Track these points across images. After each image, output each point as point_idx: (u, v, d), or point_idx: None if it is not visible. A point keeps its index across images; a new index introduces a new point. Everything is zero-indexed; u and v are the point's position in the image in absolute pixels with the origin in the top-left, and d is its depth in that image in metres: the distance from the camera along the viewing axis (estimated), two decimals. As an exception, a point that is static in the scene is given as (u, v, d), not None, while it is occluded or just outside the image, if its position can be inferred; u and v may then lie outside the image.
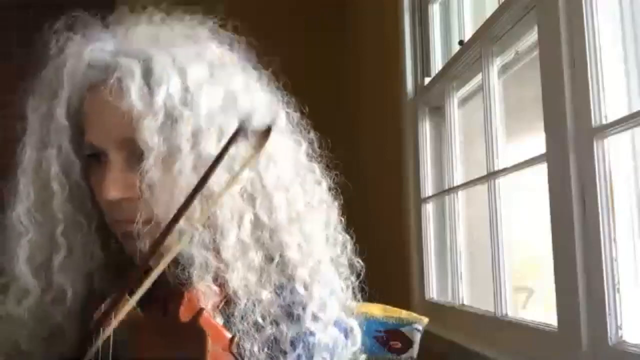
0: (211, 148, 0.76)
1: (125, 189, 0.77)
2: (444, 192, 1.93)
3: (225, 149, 0.67)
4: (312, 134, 0.91)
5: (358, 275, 0.91)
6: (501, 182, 1.50)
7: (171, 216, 0.66)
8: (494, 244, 1.49)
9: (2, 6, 3.09)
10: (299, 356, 0.79)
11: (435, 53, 2.08)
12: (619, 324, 1.01)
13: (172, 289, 0.76)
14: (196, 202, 0.70)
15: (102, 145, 0.79)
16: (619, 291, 1.01)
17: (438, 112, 2.06)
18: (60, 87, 0.80)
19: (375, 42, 2.64)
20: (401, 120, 2.19)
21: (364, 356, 0.91)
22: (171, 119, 0.76)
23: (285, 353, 0.78)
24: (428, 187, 2.04)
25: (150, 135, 0.76)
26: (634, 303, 1.02)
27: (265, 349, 0.78)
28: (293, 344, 0.79)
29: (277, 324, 0.79)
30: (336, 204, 0.92)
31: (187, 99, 0.78)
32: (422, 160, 2.06)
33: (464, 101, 1.91)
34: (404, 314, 1.36)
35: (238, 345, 0.74)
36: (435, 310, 1.85)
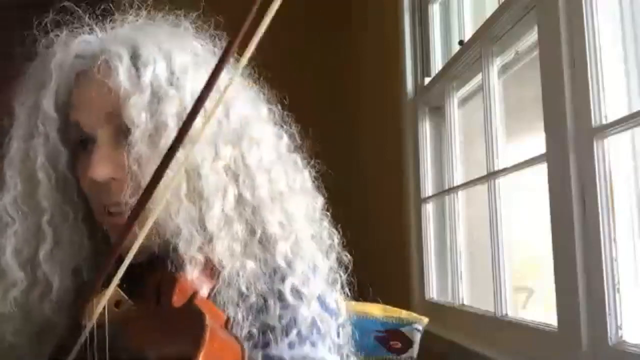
0: (197, 126, 0.78)
1: (113, 169, 0.78)
2: (444, 192, 1.93)
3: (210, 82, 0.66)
4: (292, 128, 0.92)
5: (346, 269, 0.91)
6: (501, 182, 1.50)
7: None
8: (494, 244, 1.49)
9: (2, 6, 3.09)
10: (291, 342, 0.79)
11: (435, 53, 2.08)
12: (619, 324, 1.01)
13: (163, 276, 0.76)
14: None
15: (88, 122, 0.80)
16: (619, 291, 1.01)
17: (438, 112, 2.06)
18: (48, 79, 0.81)
19: (375, 42, 2.64)
20: (401, 120, 2.19)
21: (348, 329, 0.90)
22: (157, 98, 0.78)
23: (277, 338, 0.78)
24: (428, 187, 2.04)
25: (137, 112, 0.77)
26: (634, 303, 1.02)
27: (250, 317, 0.78)
28: (286, 331, 0.79)
29: (265, 300, 0.80)
30: (320, 195, 0.93)
31: (173, 80, 0.80)
32: (422, 160, 2.06)
33: (464, 101, 1.91)
34: (404, 314, 1.36)
35: (233, 326, 0.74)
36: (435, 310, 1.86)
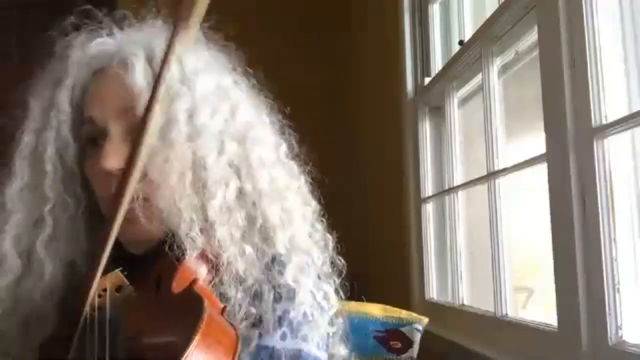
0: (204, 120, 0.83)
1: (123, 160, 0.79)
2: (444, 192, 1.93)
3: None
4: (291, 137, 0.97)
5: (340, 274, 0.93)
6: (501, 182, 1.50)
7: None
8: (494, 244, 1.49)
9: (2, 6, 3.09)
10: (284, 333, 0.81)
11: (435, 53, 2.08)
12: (619, 324, 1.01)
13: (163, 265, 0.78)
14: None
15: (102, 117, 0.83)
16: (619, 291, 1.01)
17: (438, 112, 2.06)
18: (65, 75, 0.85)
19: (375, 42, 2.64)
20: (401, 120, 2.19)
21: (340, 320, 0.93)
22: (170, 95, 0.82)
23: (268, 330, 0.80)
24: (428, 187, 2.04)
25: None
26: (634, 303, 1.02)
27: (248, 298, 0.81)
28: (279, 321, 0.81)
29: (260, 287, 0.82)
30: (315, 202, 0.96)
31: (185, 81, 0.84)
32: (422, 160, 2.06)
33: (464, 101, 1.91)
34: (404, 314, 1.36)
35: (229, 315, 0.75)
36: (435, 310, 1.85)
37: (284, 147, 0.94)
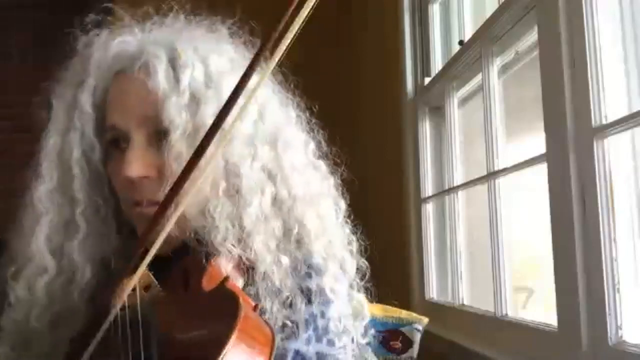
0: (235, 126, 0.81)
1: (147, 167, 0.80)
2: (444, 192, 1.93)
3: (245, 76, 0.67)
4: (319, 134, 0.95)
5: (363, 277, 0.93)
6: (501, 182, 1.50)
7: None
8: (494, 244, 1.49)
9: (2, 6, 3.09)
10: (309, 337, 0.81)
11: (435, 53, 2.08)
12: (619, 324, 1.01)
13: (191, 262, 0.77)
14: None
15: (124, 124, 0.82)
16: (619, 291, 1.01)
17: (438, 112, 2.06)
18: (87, 76, 0.84)
19: (375, 42, 2.64)
20: (401, 120, 2.19)
21: (372, 330, 0.94)
22: (196, 99, 0.80)
23: (295, 333, 0.80)
24: (428, 187, 2.04)
25: (176, 112, 0.79)
26: (634, 303, 1.02)
27: (283, 310, 0.80)
28: (306, 325, 0.81)
29: (293, 296, 0.81)
30: (342, 199, 0.96)
31: (210, 83, 0.82)
32: (422, 160, 2.06)
33: (464, 101, 1.91)
34: (404, 314, 1.36)
35: (260, 311, 0.75)
36: (435, 310, 1.85)
37: (312, 146, 0.93)
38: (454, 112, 1.87)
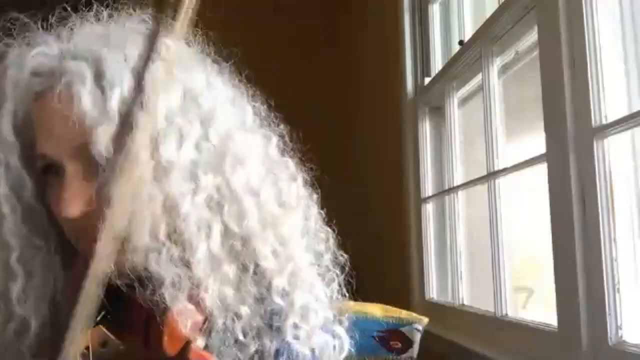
0: (171, 154, 0.70)
1: (86, 203, 0.69)
2: (444, 192, 1.93)
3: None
4: (282, 127, 0.85)
5: (342, 269, 0.86)
6: (501, 182, 1.50)
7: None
8: (494, 244, 1.49)
9: None
10: None
11: (435, 53, 2.08)
12: (619, 324, 1.01)
13: (150, 313, 0.69)
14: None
15: (55, 155, 0.71)
16: (619, 291, 1.01)
17: (438, 112, 2.06)
18: (3, 100, 0.73)
19: (375, 42, 2.64)
20: (401, 120, 2.19)
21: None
22: (127, 125, 0.67)
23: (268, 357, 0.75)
24: (428, 187, 2.04)
25: (105, 145, 0.68)
26: (634, 303, 1.02)
27: None
28: (276, 355, 0.75)
29: (260, 337, 0.75)
30: (314, 197, 0.86)
31: (143, 102, 0.67)
32: (422, 160, 2.06)
33: (464, 101, 1.91)
34: (404, 314, 1.36)
35: None
36: (435, 310, 1.85)
37: (274, 141, 0.82)
38: (454, 112, 1.88)
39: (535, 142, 1.27)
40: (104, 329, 0.67)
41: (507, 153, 1.52)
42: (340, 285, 0.85)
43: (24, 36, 0.75)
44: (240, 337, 0.72)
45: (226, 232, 0.73)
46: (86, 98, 0.68)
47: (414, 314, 1.38)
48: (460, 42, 1.86)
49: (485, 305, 1.59)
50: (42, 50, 0.73)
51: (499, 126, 1.52)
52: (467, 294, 1.78)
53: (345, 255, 0.87)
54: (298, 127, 0.89)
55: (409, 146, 2.13)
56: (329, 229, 0.86)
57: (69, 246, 0.74)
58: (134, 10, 0.79)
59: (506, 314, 1.45)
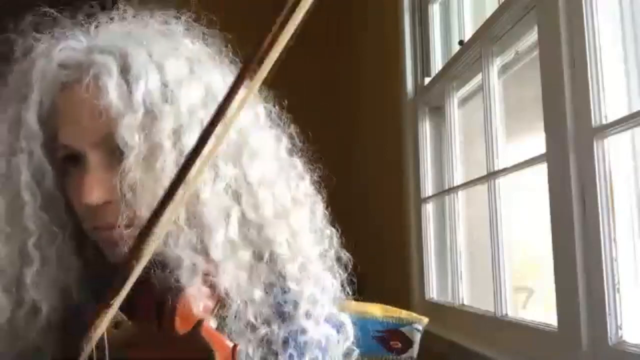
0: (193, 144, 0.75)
1: (107, 192, 0.73)
2: (444, 192, 1.93)
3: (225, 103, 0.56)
4: (292, 129, 0.88)
5: (345, 268, 0.88)
6: (501, 182, 1.50)
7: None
8: (494, 244, 1.49)
9: None
10: (290, 356, 0.78)
11: (435, 53, 2.08)
12: (619, 324, 1.01)
13: (162, 295, 0.71)
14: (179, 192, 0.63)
15: (78, 145, 0.74)
16: (619, 291, 1.01)
17: (438, 112, 2.06)
18: (30, 90, 0.75)
19: (375, 42, 2.64)
20: (401, 120, 2.19)
21: (357, 351, 0.89)
22: (151, 116, 0.73)
23: (276, 354, 0.77)
24: (428, 187, 2.04)
25: (130, 133, 0.72)
26: (634, 303, 1.02)
27: (260, 349, 0.76)
28: (285, 344, 0.78)
29: (269, 324, 0.77)
30: (320, 197, 0.89)
31: (167, 95, 0.74)
32: (422, 160, 2.06)
33: (464, 101, 1.91)
34: (404, 314, 1.36)
35: (239, 353, 0.71)
36: (435, 310, 1.85)
37: (284, 142, 0.86)
38: (454, 112, 1.87)
39: (535, 142, 1.27)
40: (118, 311, 0.69)
41: (507, 153, 1.52)
42: (343, 284, 0.88)
43: (53, 30, 0.78)
44: (252, 320, 0.75)
45: (243, 220, 0.77)
46: (113, 89, 0.72)
47: (414, 314, 1.38)
48: (460, 42, 1.86)
49: (485, 305, 1.59)
50: (70, 44, 0.77)
51: (499, 126, 1.52)
52: (467, 294, 1.78)
53: (348, 255, 0.89)
54: (298, 127, 0.90)
55: (409, 146, 2.13)
56: (333, 229, 0.89)
57: (82, 235, 0.78)
58: (157, 11, 0.83)
59: (506, 314, 1.45)
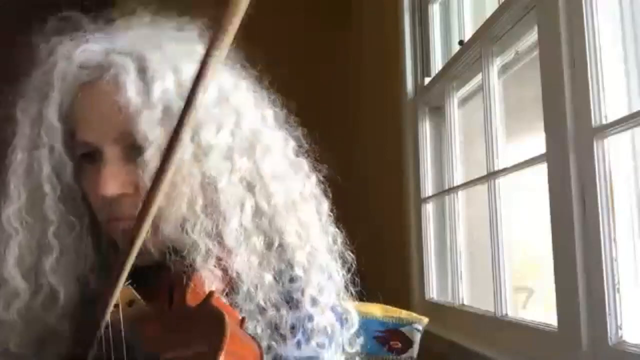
0: (210, 138, 0.79)
1: (123, 184, 0.77)
2: (444, 192, 1.93)
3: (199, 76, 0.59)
4: (298, 131, 0.92)
5: (349, 269, 0.91)
6: (501, 182, 1.50)
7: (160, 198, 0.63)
8: (494, 244, 1.49)
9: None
10: (298, 342, 0.80)
11: (435, 53, 2.08)
12: (619, 324, 1.01)
13: (174, 278, 0.75)
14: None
15: (96, 141, 0.79)
16: (619, 291, 1.01)
17: (438, 112, 2.06)
18: (51, 89, 0.80)
19: (375, 42, 2.64)
20: (401, 120, 2.19)
21: (361, 339, 0.92)
22: (169, 112, 0.77)
23: (284, 338, 0.79)
24: (428, 187, 2.04)
25: (150, 127, 0.76)
26: (634, 303, 1.02)
27: (268, 331, 0.79)
28: (292, 330, 0.80)
29: (278, 309, 0.80)
30: (325, 197, 0.93)
31: (183, 93, 0.75)
32: (422, 160, 2.06)
33: (464, 101, 1.91)
34: (404, 314, 1.36)
35: (247, 328, 0.74)
36: (435, 310, 1.85)
37: (291, 143, 0.90)
38: (454, 112, 1.87)
39: (535, 142, 1.27)
40: (132, 289, 0.73)
41: (507, 153, 1.52)
42: (346, 284, 0.91)
43: (73, 34, 0.83)
44: (262, 303, 0.78)
45: (256, 209, 0.82)
46: (131, 87, 0.77)
47: (414, 314, 1.38)
48: (460, 42, 1.86)
49: (485, 305, 1.59)
50: (90, 46, 0.81)
51: (499, 126, 1.52)
52: (467, 294, 1.78)
53: (352, 255, 0.92)
54: (304, 130, 0.92)
55: (409, 146, 2.13)
56: (337, 230, 0.93)
57: (98, 228, 0.83)
58: (173, 20, 0.87)
59: (506, 314, 1.45)
